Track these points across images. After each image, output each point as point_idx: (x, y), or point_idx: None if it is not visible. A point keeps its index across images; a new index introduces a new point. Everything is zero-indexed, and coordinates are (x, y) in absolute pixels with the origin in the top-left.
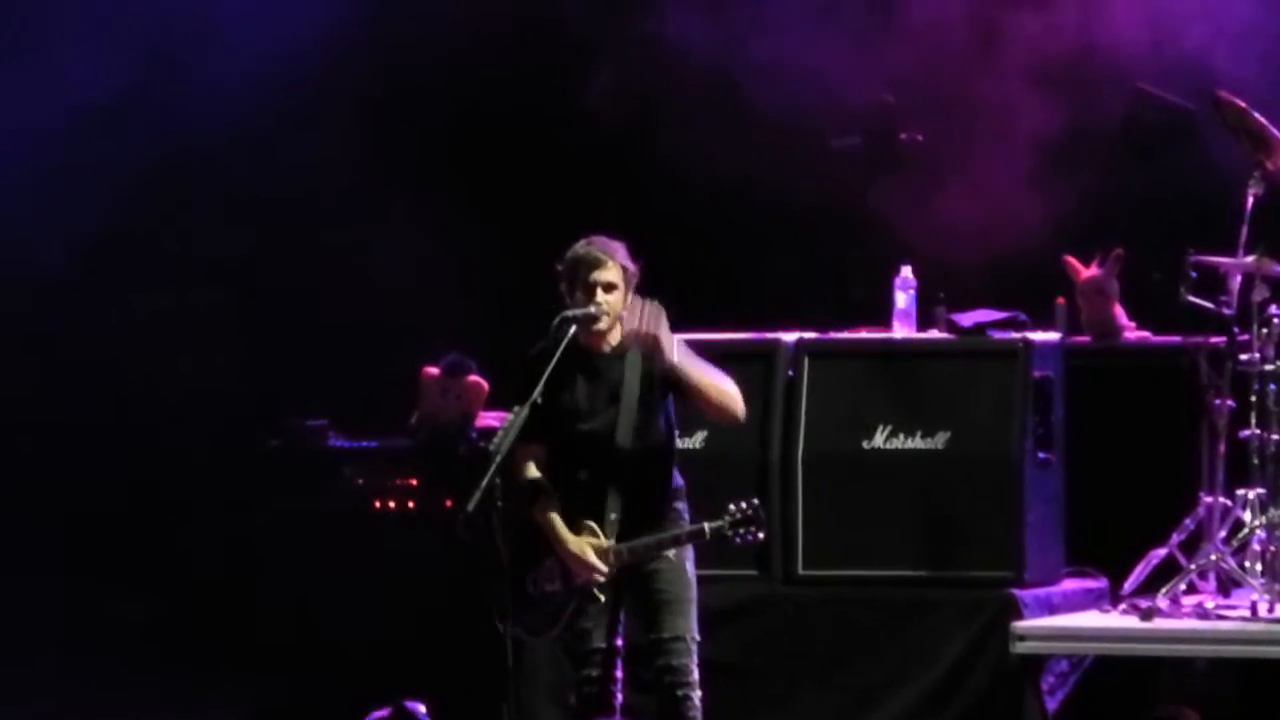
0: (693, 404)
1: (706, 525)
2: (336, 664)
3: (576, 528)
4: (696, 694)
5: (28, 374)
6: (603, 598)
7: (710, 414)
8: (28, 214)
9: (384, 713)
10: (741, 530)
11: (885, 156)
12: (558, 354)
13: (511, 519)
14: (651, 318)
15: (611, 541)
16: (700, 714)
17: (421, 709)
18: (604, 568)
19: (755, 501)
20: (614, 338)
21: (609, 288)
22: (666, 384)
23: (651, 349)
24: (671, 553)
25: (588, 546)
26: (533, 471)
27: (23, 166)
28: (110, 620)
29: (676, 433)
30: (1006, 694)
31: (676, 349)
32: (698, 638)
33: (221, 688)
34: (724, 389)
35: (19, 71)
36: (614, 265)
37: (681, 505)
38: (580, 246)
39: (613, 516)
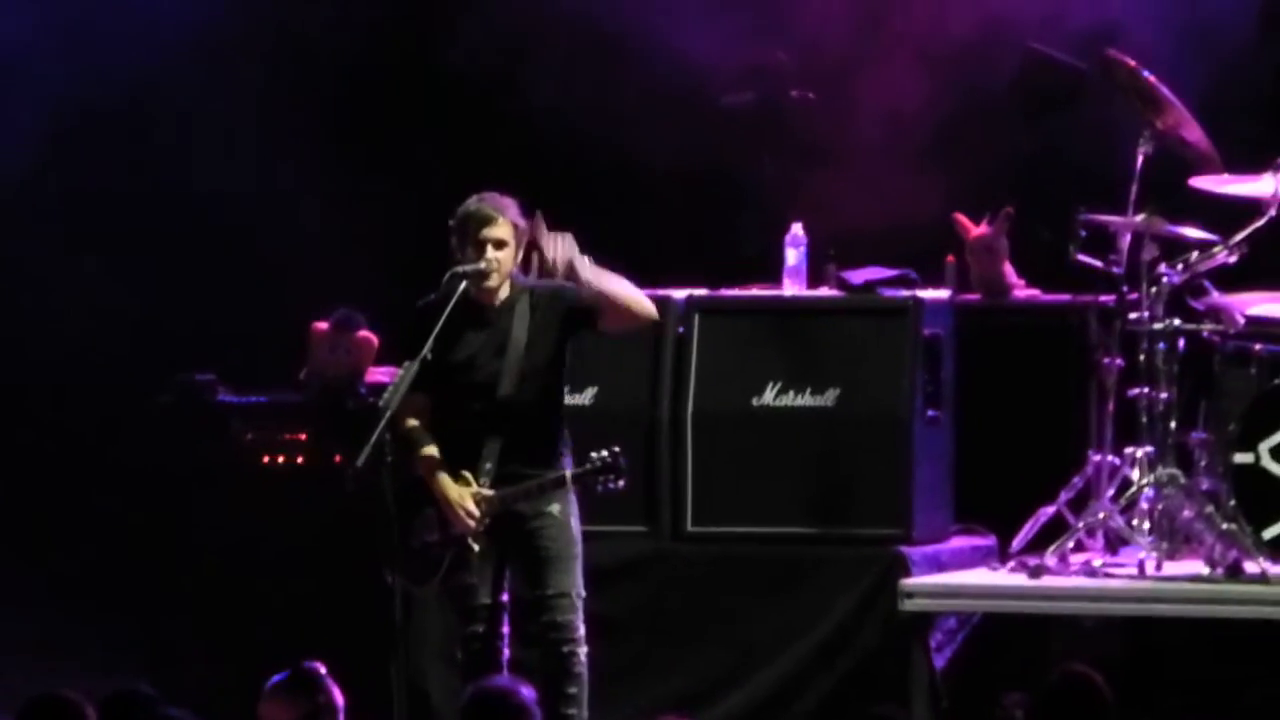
0: (612, 317)
1: (567, 473)
2: (227, 621)
3: (454, 478)
4: (582, 649)
5: None
6: (477, 547)
7: (628, 322)
8: None
9: (282, 676)
10: (601, 478)
11: (777, 114)
12: (448, 309)
13: (396, 471)
14: (563, 246)
15: (485, 489)
16: (585, 670)
17: (321, 669)
18: (477, 514)
19: (616, 450)
20: (503, 293)
21: (499, 244)
22: (573, 322)
23: (569, 276)
24: (555, 507)
25: (465, 494)
26: (413, 421)
27: None
28: (4, 575)
29: (565, 389)
30: (894, 651)
31: (587, 267)
32: (583, 594)
33: (113, 644)
34: (636, 295)
35: None
36: (504, 222)
37: (567, 460)
38: (471, 203)
39: (488, 466)
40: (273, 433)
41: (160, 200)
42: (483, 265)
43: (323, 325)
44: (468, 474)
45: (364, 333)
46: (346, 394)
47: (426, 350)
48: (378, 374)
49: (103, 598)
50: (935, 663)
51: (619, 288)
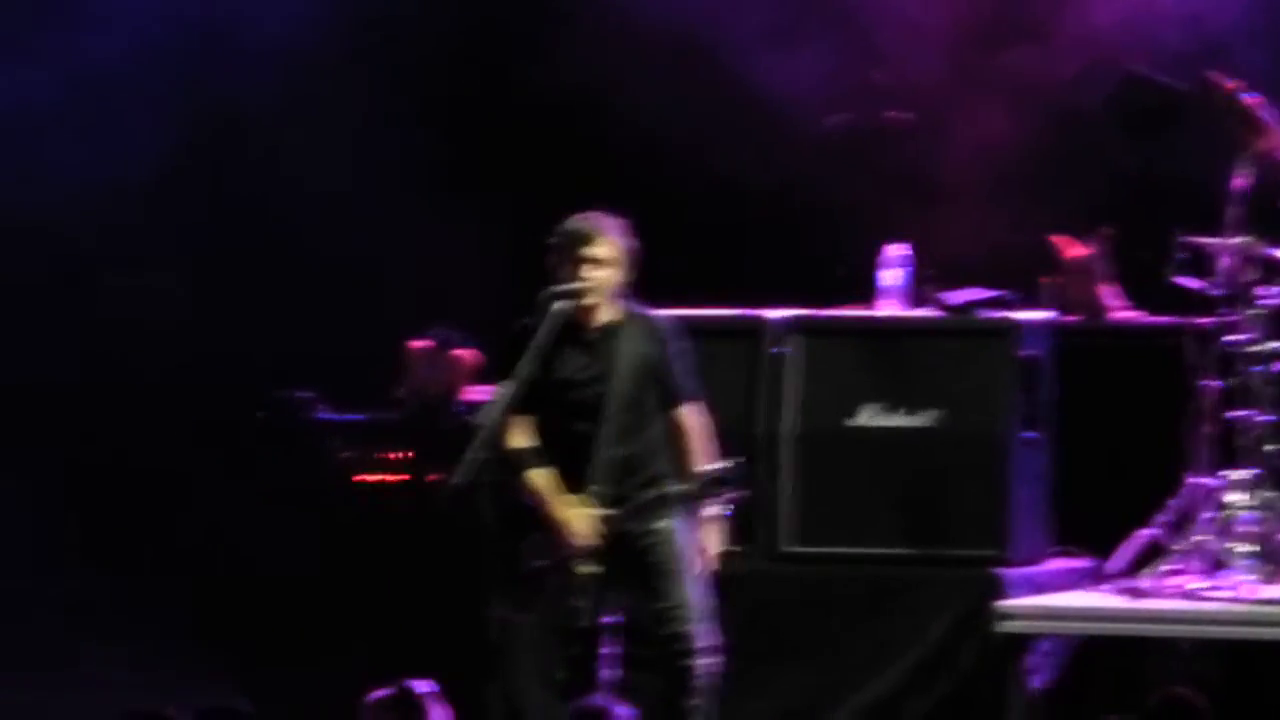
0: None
1: (674, 489)
2: (323, 639)
3: (565, 499)
4: (704, 660)
5: (28, 331)
6: (587, 570)
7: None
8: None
9: (385, 692)
10: (712, 491)
11: (874, 135)
12: (545, 329)
13: (496, 491)
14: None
15: (597, 511)
16: (710, 681)
17: (427, 688)
18: (591, 535)
19: (729, 464)
20: (606, 314)
21: (598, 263)
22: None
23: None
24: (662, 523)
25: (578, 515)
26: (520, 440)
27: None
28: (99, 593)
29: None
30: (990, 673)
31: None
32: (704, 604)
33: (211, 661)
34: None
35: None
36: (605, 241)
37: (670, 482)
38: (573, 221)
39: (596, 488)
40: (370, 451)
41: (261, 217)
42: (577, 285)
43: (420, 343)
44: (579, 496)
45: (461, 351)
46: (443, 412)
47: (524, 370)
48: (475, 392)
49: (199, 614)
50: (1032, 685)
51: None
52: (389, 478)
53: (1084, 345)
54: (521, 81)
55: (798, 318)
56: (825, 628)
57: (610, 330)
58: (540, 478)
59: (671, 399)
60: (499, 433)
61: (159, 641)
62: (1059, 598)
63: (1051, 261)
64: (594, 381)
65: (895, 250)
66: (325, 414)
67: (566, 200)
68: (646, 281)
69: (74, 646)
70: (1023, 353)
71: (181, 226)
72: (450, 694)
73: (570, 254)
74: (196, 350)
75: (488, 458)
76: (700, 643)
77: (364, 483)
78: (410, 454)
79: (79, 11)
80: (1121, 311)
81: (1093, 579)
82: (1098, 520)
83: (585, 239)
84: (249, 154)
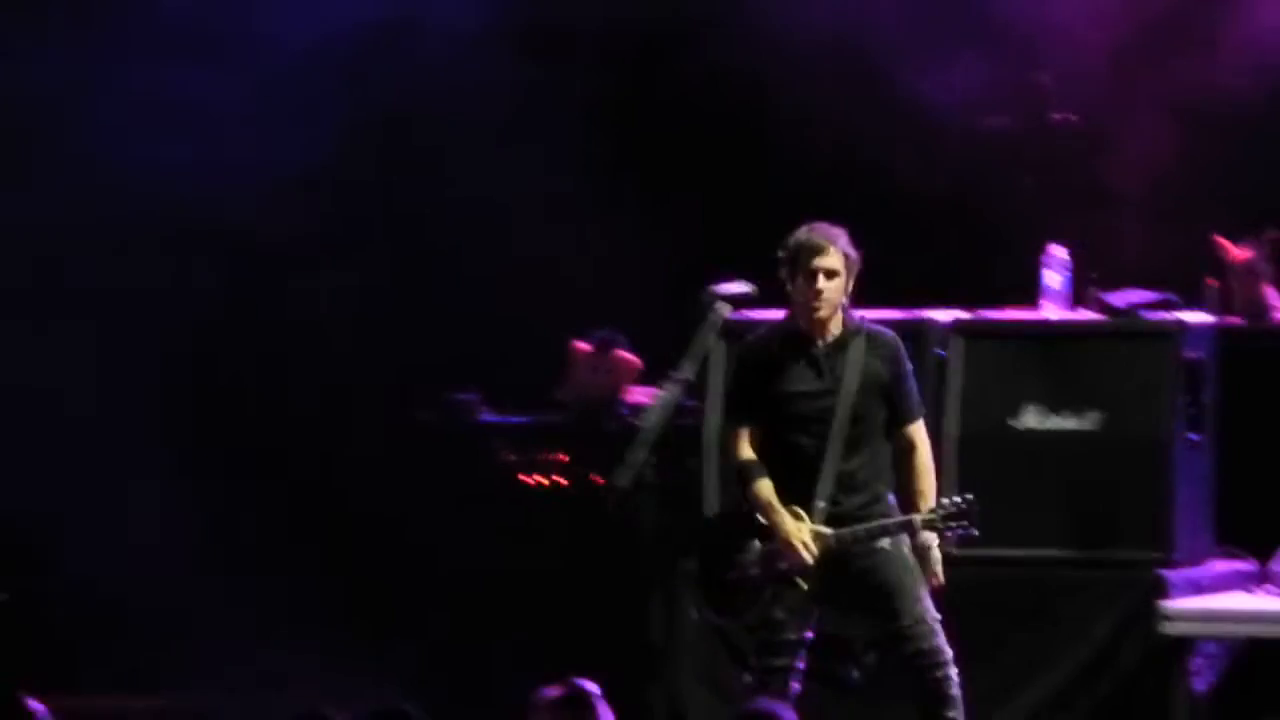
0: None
1: (917, 516)
2: (488, 640)
3: (789, 513)
4: (953, 671)
5: (202, 332)
6: (805, 585)
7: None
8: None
9: (556, 691)
10: (953, 524)
11: (1038, 137)
12: (705, 331)
13: (717, 500)
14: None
15: (822, 528)
16: (959, 692)
17: (595, 688)
18: (815, 552)
19: (969, 497)
20: (834, 327)
21: (830, 274)
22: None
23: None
24: (884, 542)
25: (804, 529)
26: (747, 453)
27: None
28: (276, 591)
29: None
30: (1154, 675)
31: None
32: (938, 616)
33: (379, 661)
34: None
35: None
36: (835, 251)
37: (891, 498)
38: (802, 233)
39: (820, 504)
40: (533, 453)
41: (427, 220)
42: (740, 288)
43: (583, 345)
44: (800, 510)
45: (624, 353)
46: (606, 414)
47: (687, 372)
48: (638, 394)
49: (366, 615)
50: (1195, 687)
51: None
52: (553, 480)
53: (1248, 347)
54: (682, 83)
55: (963, 320)
56: (989, 630)
57: (839, 343)
58: (765, 490)
59: (900, 417)
60: (727, 439)
61: (329, 643)
62: (1222, 599)
63: (1216, 263)
64: (822, 395)
65: (1057, 252)
66: (488, 416)
67: (728, 203)
68: None
69: (250, 649)
70: (1186, 355)
71: (351, 228)
72: (612, 694)
73: (800, 266)
74: (363, 350)
75: (654, 460)
76: (947, 654)
77: (528, 484)
78: (573, 456)
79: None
80: None
81: (1256, 581)
82: (1260, 522)
83: (815, 250)
84: (416, 156)
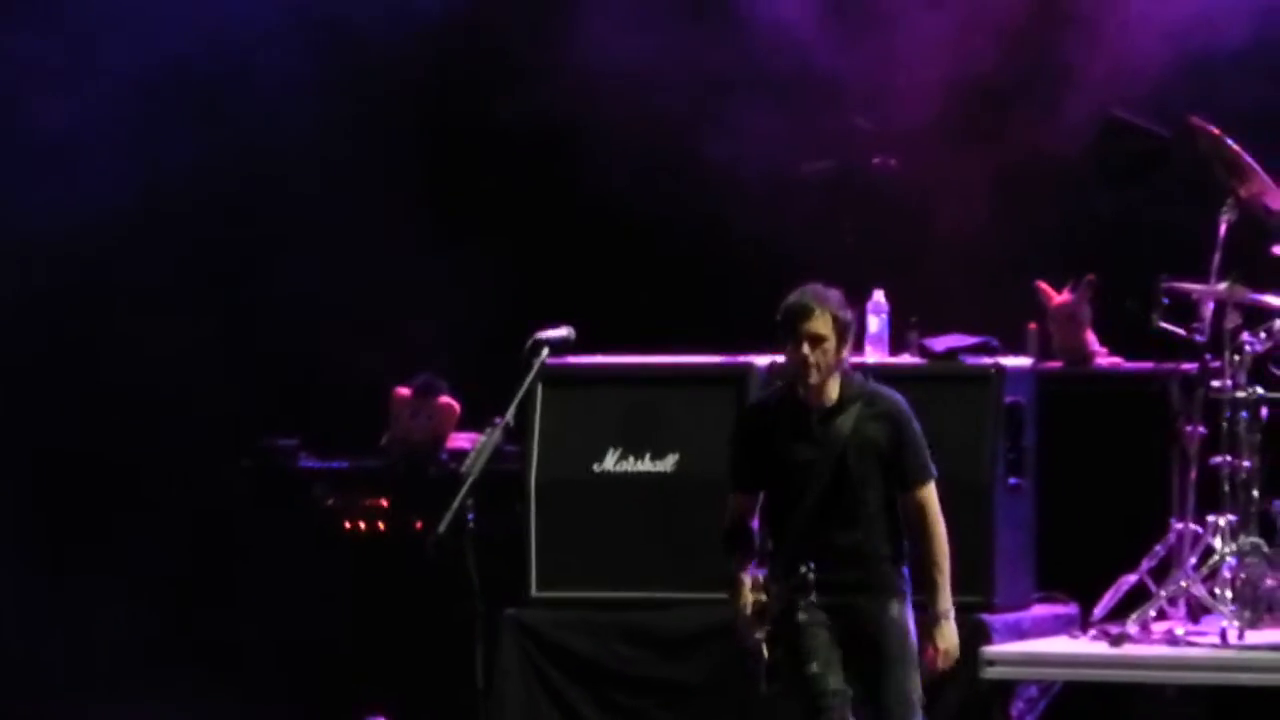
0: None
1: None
2: (306, 682)
3: (788, 577)
4: None
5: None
6: (766, 653)
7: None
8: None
9: None
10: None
11: (856, 180)
12: (529, 379)
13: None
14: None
15: (759, 596)
16: None
17: None
18: (751, 631)
19: (810, 565)
20: (832, 391)
21: (817, 339)
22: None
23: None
24: (894, 611)
25: (748, 602)
26: (733, 520)
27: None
28: (85, 629)
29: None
30: (976, 719)
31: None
32: (923, 698)
33: (194, 702)
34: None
35: None
36: (823, 315)
37: (905, 570)
38: (792, 296)
39: (810, 576)
40: (355, 498)
41: (248, 264)
42: (563, 333)
43: (405, 391)
44: (797, 580)
45: (445, 399)
46: (428, 460)
47: (509, 417)
48: (459, 440)
49: (177, 661)
50: None
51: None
52: (374, 525)
53: (1068, 391)
54: (496, 125)
55: (774, 364)
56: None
57: (835, 409)
58: (733, 563)
59: (904, 482)
60: (728, 506)
61: (141, 690)
62: (1043, 644)
63: (1036, 307)
64: (812, 464)
65: (878, 296)
66: (309, 461)
67: (544, 246)
68: (611, 321)
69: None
70: (1007, 399)
71: (171, 272)
72: None
73: (789, 332)
74: (179, 399)
75: (470, 505)
76: None
77: (354, 529)
78: (395, 501)
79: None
80: (1106, 358)
81: (1077, 625)
82: (1082, 566)
83: (801, 315)
84: (234, 199)
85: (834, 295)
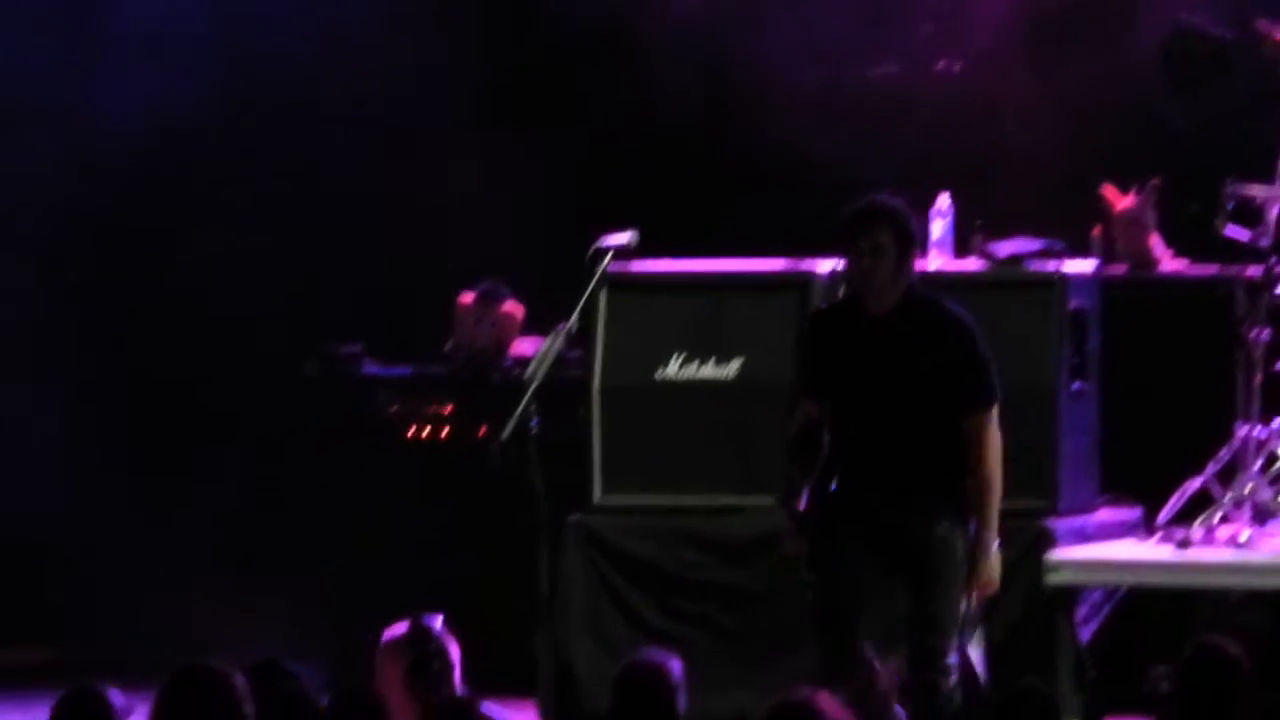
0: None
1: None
2: (369, 588)
3: (851, 489)
4: (948, 680)
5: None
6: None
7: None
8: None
9: (401, 628)
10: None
11: (922, 85)
12: (592, 285)
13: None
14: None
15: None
16: (947, 704)
17: (438, 622)
18: (788, 542)
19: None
20: (892, 302)
21: (875, 250)
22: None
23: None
24: (943, 530)
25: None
26: (794, 427)
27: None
28: (157, 536)
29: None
30: (1039, 625)
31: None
32: (960, 624)
33: (260, 607)
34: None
35: None
36: (882, 227)
37: (954, 490)
38: (853, 205)
39: (861, 489)
40: (418, 405)
41: (309, 170)
42: (628, 238)
43: (468, 297)
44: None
45: (509, 305)
46: (492, 367)
47: (573, 323)
48: (523, 346)
49: (244, 567)
50: (1081, 636)
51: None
52: (438, 432)
53: (1133, 296)
54: (559, 19)
55: (835, 271)
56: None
57: (894, 323)
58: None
59: (963, 404)
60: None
61: (208, 597)
62: (1107, 548)
63: (1101, 212)
64: (873, 376)
65: (943, 200)
66: (373, 368)
67: (609, 149)
68: (675, 227)
69: (149, 596)
70: (1071, 304)
71: (232, 177)
72: (498, 645)
73: (849, 241)
74: (249, 304)
75: (534, 411)
76: (948, 660)
77: (417, 436)
78: (458, 408)
79: None
80: (1170, 262)
81: (1142, 529)
82: (1146, 471)
83: (861, 224)
84: (299, 87)
85: (897, 205)
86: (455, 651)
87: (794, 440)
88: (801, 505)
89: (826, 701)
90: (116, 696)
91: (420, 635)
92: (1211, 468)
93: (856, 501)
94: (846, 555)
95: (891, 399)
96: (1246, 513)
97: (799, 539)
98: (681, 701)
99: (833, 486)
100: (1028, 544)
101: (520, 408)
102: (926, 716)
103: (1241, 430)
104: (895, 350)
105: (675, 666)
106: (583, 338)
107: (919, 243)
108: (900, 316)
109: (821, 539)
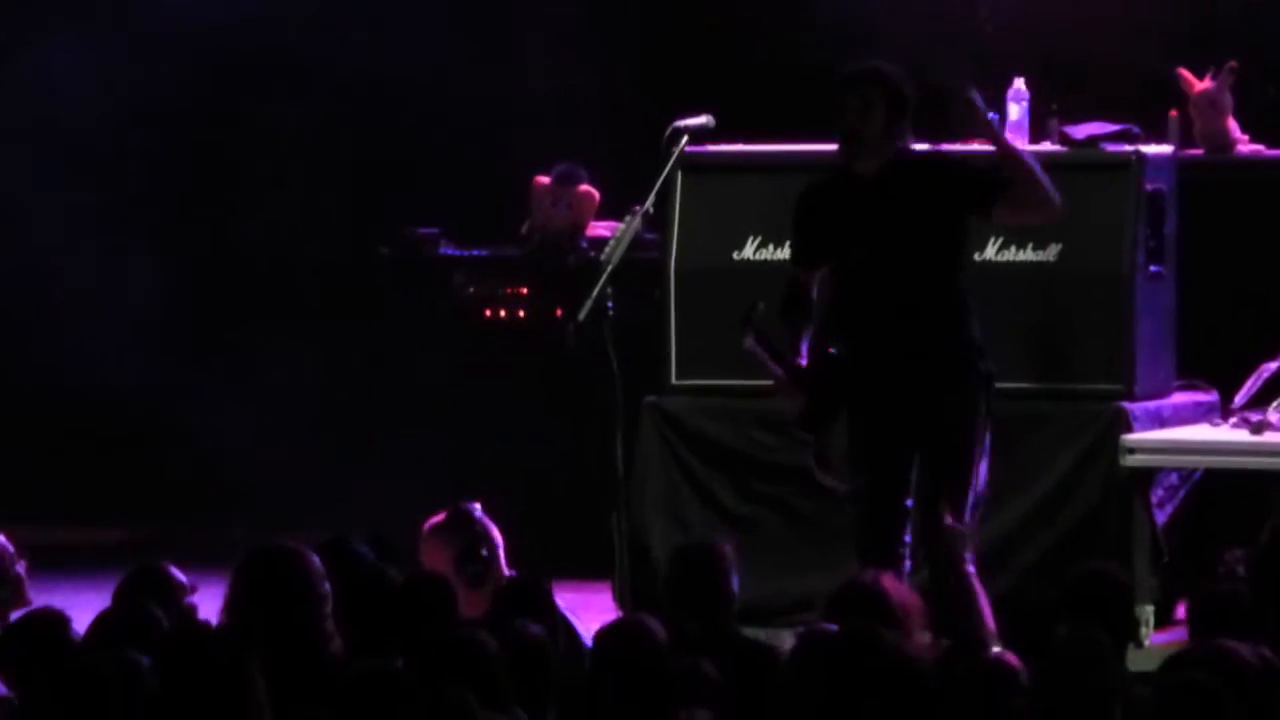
0: (1015, 204)
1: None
2: (447, 472)
3: (858, 353)
4: (968, 555)
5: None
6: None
7: (1032, 211)
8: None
9: (441, 516)
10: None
11: None
12: (669, 167)
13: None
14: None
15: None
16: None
17: (477, 508)
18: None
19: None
20: (883, 159)
21: (863, 106)
22: (967, 200)
23: (979, 132)
24: (968, 391)
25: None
26: (792, 294)
27: None
28: (241, 410)
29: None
30: (1116, 507)
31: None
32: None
33: (341, 474)
34: (1046, 181)
35: None
36: (868, 84)
37: (967, 345)
38: (844, 66)
39: (831, 351)
40: (495, 286)
41: (388, 58)
42: (702, 121)
43: (544, 179)
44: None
45: (585, 187)
46: (568, 248)
47: (649, 205)
48: (599, 228)
49: (320, 447)
50: (1157, 519)
51: (1035, 166)
52: (514, 313)
53: (1209, 179)
54: None
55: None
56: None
57: (880, 180)
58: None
59: (982, 199)
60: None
61: (292, 466)
62: (1184, 431)
63: (1178, 95)
64: (871, 234)
65: (1019, 84)
66: (449, 249)
67: (686, 35)
68: (751, 110)
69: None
70: (1148, 186)
71: (298, 65)
72: (574, 527)
73: (839, 101)
74: (324, 186)
75: (610, 293)
76: (969, 526)
77: (494, 317)
78: (534, 290)
79: None
80: (1247, 145)
81: (1218, 413)
82: (1223, 354)
83: (850, 83)
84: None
85: (890, 68)
86: (498, 537)
87: (783, 302)
88: (802, 361)
89: (892, 583)
90: (179, 574)
91: (465, 521)
92: None
93: (867, 366)
94: (876, 433)
95: (894, 252)
96: None
97: (796, 394)
98: (734, 583)
99: (830, 350)
100: (1104, 427)
101: (596, 289)
102: (945, 587)
103: None
104: (892, 202)
105: (727, 549)
106: (658, 219)
107: (910, 106)
108: (891, 173)
109: (831, 407)
